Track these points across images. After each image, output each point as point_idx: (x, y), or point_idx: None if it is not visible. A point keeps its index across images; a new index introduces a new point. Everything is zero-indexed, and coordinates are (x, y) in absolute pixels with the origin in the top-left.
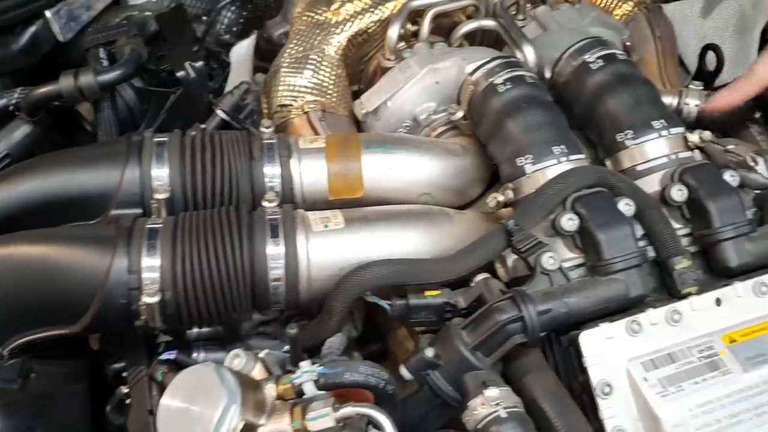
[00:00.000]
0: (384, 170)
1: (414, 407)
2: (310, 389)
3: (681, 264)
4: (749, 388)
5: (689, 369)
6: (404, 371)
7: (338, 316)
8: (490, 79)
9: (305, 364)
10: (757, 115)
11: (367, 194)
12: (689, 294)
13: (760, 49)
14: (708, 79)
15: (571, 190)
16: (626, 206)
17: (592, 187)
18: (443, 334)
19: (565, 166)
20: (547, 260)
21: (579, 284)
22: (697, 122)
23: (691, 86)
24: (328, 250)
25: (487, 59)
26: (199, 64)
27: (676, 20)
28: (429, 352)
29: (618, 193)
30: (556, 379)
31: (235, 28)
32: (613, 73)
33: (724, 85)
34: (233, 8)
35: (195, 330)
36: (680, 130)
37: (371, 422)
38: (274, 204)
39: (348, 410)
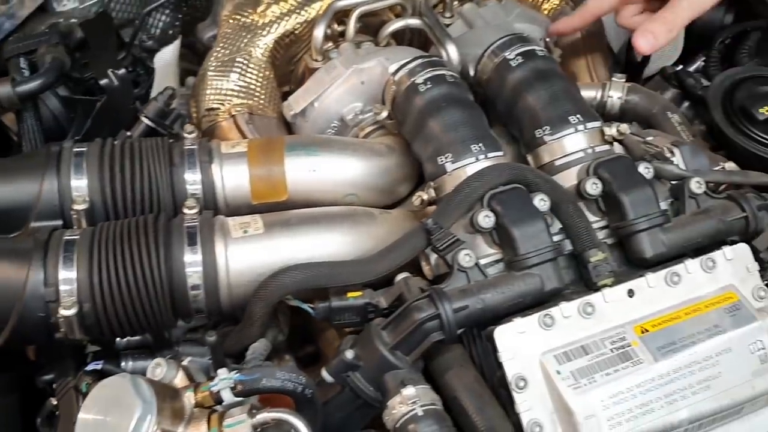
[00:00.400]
0: (308, 172)
1: (337, 409)
2: (227, 396)
3: (596, 256)
4: (660, 377)
5: (601, 361)
6: (325, 374)
7: (259, 321)
8: (412, 79)
9: (222, 372)
10: (686, 104)
11: (291, 197)
12: (605, 286)
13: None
14: (636, 69)
15: (487, 187)
16: (541, 202)
17: (508, 183)
18: (363, 335)
19: (484, 164)
20: (464, 258)
21: (495, 280)
22: (622, 114)
23: (613, 79)
24: (247, 256)
25: (409, 59)
26: (122, 71)
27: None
28: (349, 354)
29: (534, 188)
30: (476, 375)
31: (171, 31)
32: (532, 69)
33: (652, 77)
34: (167, 12)
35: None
36: (597, 124)
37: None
38: (194, 211)
39: (264, 416)
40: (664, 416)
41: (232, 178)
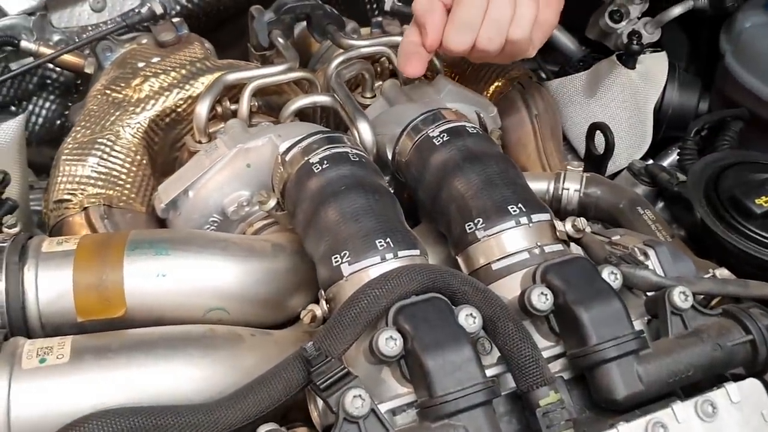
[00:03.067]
0: (155, 278)
1: None
2: None
3: (547, 398)
4: None
5: None
6: None
7: None
8: (306, 158)
9: None
10: (660, 204)
11: (132, 313)
12: None
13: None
14: (597, 163)
15: (393, 297)
16: (469, 318)
17: (424, 292)
18: None
19: (391, 266)
20: (353, 402)
21: None
22: (581, 211)
23: (569, 167)
24: (39, 397)
25: (305, 135)
26: None
27: (560, 99)
28: None
29: (460, 300)
30: None
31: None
32: (460, 148)
33: (618, 173)
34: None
35: None
36: (545, 216)
37: None
38: None
39: None
40: None
41: (52, 286)
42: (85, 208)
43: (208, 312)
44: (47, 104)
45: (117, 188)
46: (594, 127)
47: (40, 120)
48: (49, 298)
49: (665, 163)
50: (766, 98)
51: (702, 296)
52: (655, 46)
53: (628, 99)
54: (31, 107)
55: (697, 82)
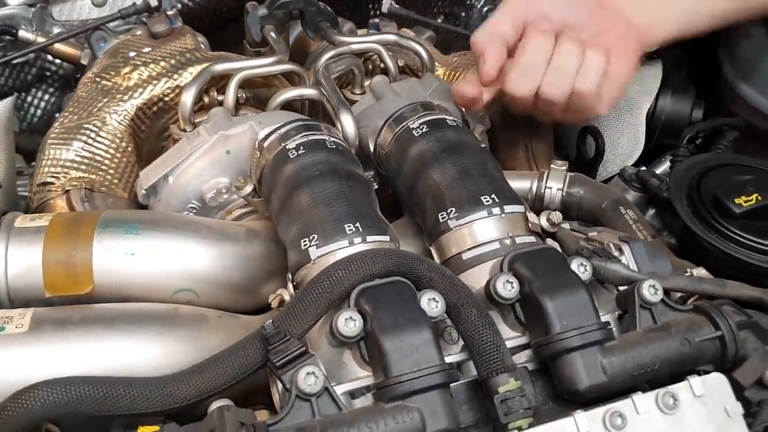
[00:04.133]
0: (123, 257)
1: None
2: None
3: (506, 385)
4: None
5: None
6: None
7: None
8: (283, 144)
9: None
10: (651, 211)
11: (100, 290)
12: (517, 429)
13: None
14: (588, 167)
15: (356, 279)
16: (431, 302)
17: (388, 275)
18: None
19: (358, 249)
20: (305, 379)
21: (351, 415)
22: (564, 210)
23: (552, 166)
24: None
25: (284, 122)
26: None
27: None
28: None
29: (425, 284)
30: None
31: None
32: (439, 140)
33: (610, 179)
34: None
35: None
36: (518, 208)
37: None
38: None
39: None
40: None
41: (20, 261)
42: (67, 191)
43: (177, 293)
44: (45, 96)
45: (100, 173)
46: (585, 132)
47: (38, 111)
48: (17, 272)
49: (659, 170)
50: (762, 108)
51: (679, 295)
52: (655, 55)
53: (621, 104)
54: (29, 98)
55: (691, 91)
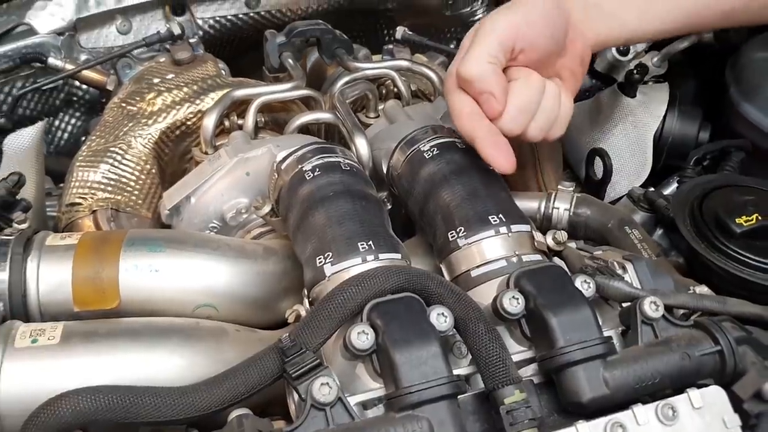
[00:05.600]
0: (148, 273)
1: None
2: None
3: (512, 397)
4: None
5: None
6: None
7: None
8: (300, 166)
9: None
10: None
11: (126, 305)
12: None
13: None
14: (597, 187)
15: (368, 294)
16: (440, 317)
17: (399, 292)
18: None
19: (371, 266)
20: (320, 389)
21: (363, 424)
22: (571, 230)
23: (560, 187)
24: (28, 374)
25: (300, 145)
26: None
27: None
28: None
29: (435, 300)
30: None
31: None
32: (449, 162)
33: (619, 199)
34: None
35: None
36: (524, 227)
37: None
38: None
39: None
40: None
41: (51, 277)
42: (94, 211)
43: (198, 308)
44: (72, 120)
45: (125, 194)
46: (593, 153)
47: (65, 135)
48: (48, 288)
49: (666, 191)
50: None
51: (681, 312)
52: (662, 79)
53: (628, 127)
54: (57, 122)
55: (698, 112)
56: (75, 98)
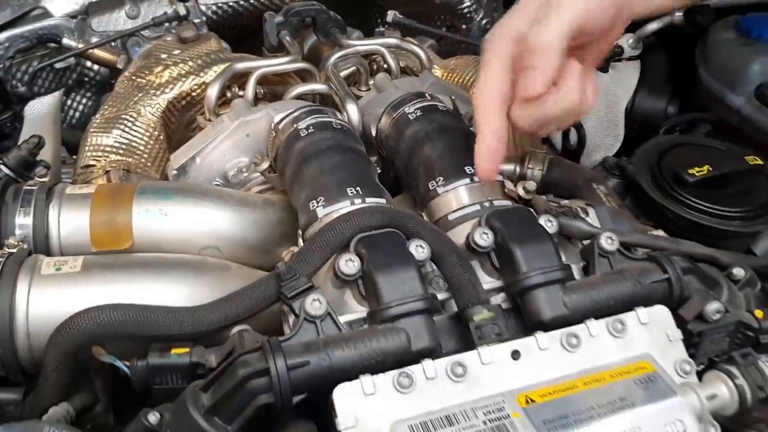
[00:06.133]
0: (158, 217)
1: None
2: None
3: (480, 314)
4: None
5: None
6: None
7: (55, 376)
8: (295, 125)
9: None
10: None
11: (138, 246)
12: None
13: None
14: (572, 155)
15: (355, 230)
16: (418, 248)
17: (383, 228)
18: (179, 398)
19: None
20: (312, 304)
21: (349, 334)
22: (544, 187)
23: (534, 151)
24: (54, 297)
25: (296, 108)
26: None
27: None
28: (152, 417)
29: (413, 236)
30: None
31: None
32: (431, 121)
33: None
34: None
35: None
36: (497, 177)
37: None
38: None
39: None
40: None
41: (71, 221)
42: (107, 172)
43: (203, 249)
44: (83, 100)
45: (135, 156)
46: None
47: (77, 114)
48: (68, 231)
49: None
50: (732, 104)
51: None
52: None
53: (602, 100)
54: (69, 101)
55: (667, 89)
56: (86, 78)
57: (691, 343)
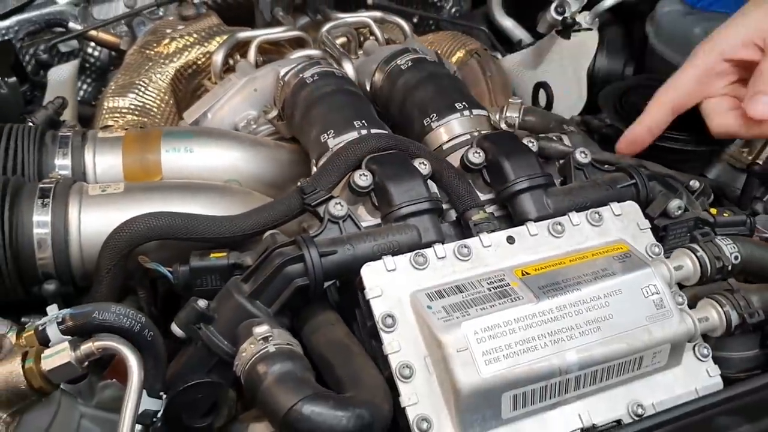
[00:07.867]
0: (185, 153)
1: (189, 370)
2: (54, 334)
3: (478, 215)
4: (541, 314)
5: (477, 297)
6: (174, 327)
7: (109, 278)
8: (301, 75)
9: (52, 308)
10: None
11: (167, 179)
12: None
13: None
14: None
15: (366, 151)
16: (421, 165)
17: (388, 150)
18: (223, 289)
19: None
20: (335, 207)
21: (368, 231)
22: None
23: (510, 101)
24: (102, 214)
25: (298, 62)
26: (12, 79)
27: (513, 71)
28: (201, 303)
29: (415, 156)
30: (346, 332)
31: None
32: (421, 70)
33: None
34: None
35: None
36: (483, 111)
37: None
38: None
39: (89, 346)
40: (548, 356)
41: (105, 161)
42: (125, 130)
43: (226, 182)
44: (84, 85)
45: (150, 117)
46: (538, 86)
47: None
48: (102, 170)
49: None
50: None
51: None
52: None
53: (565, 64)
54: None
55: (623, 54)
56: (87, 64)
57: (658, 237)
